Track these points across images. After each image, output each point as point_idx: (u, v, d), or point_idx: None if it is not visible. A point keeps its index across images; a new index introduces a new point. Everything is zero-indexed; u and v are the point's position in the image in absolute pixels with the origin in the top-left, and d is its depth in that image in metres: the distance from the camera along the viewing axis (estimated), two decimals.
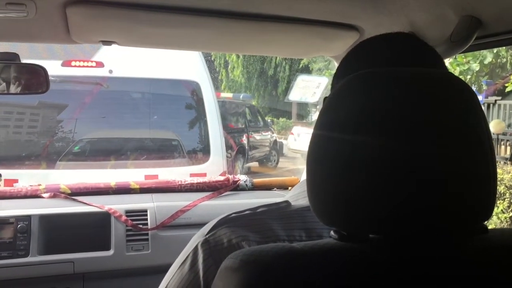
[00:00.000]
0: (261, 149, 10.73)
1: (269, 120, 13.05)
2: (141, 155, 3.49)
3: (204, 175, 2.00)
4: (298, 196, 0.84)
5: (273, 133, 11.78)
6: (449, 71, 0.72)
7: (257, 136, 10.56)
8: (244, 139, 9.65)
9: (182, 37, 1.33)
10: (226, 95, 11.93)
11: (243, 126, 10.01)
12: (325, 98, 0.68)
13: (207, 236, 0.73)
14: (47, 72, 1.39)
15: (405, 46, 0.76)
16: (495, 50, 6.67)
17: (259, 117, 11.49)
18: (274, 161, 11.24)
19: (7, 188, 1.72)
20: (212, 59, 16.60)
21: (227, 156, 8.31)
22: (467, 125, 0.60)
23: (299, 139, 11.31)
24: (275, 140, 11.56)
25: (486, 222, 0.65)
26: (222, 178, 1.93)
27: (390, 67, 0.65)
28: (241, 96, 11.74)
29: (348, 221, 0.61)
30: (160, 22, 1.18)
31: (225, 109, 9.66)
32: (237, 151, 9.06)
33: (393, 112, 0.58)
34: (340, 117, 0.61)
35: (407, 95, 0.59)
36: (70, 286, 1.49)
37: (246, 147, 9.64)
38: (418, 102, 0.59)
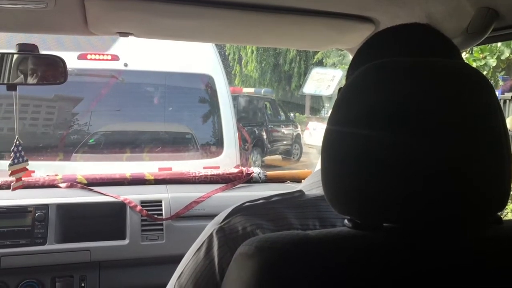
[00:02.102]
0: (282, 143, 10.92)
1: (291, 115, 13.19)
2: (155, 148, 3.51)
3: (217, 168, 2.01)
4: (312, 186, 0.85)
5: (296, 127, 11.85)
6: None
7: (278, 130, 10.79)
8: (263, 133, 9.88)
9: (198, 28, 1.34)
10: (248, 90, 12.13)
11: (263, 120, 10.23)
12: (339, 89, 0.69)
13: (222, 224, 0.74)
14: (65, 63, 1.41)
15: (421, 37, 0.76)
16: None
17: (281, 112, 11.66)
18: (297, 155, 11.37)
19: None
20: (226, 53, 16.59)
21: (244, 149, 8.57)
22: (483, 116, 0.60)
23: (315, 134, 11.35)
24: (298, 134, 11.67)
25: (500, 213, 0.65)
26: (235, 170, 1.94)
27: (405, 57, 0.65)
28: (262, 91, 11.98)
29: (362, 210, 0.61)
30: (177, 14, 1.19)
31: (246, 103, 10.09)
32: (256, 144, 9.33)
33: (407, 103, 0.58)
34: (354, 108, 0.61)
35: (422, 86, 0.59)
36: (86, 274, 1.52)
37: (265, 141, 9.89)
38: (433, 92, 0.59)
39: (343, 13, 1.23)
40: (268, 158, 10.17)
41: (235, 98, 9.62)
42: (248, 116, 10.00)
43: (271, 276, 0.57)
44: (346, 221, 0.64)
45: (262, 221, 0.73)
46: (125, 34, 1.31)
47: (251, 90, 12.19)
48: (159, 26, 1.30)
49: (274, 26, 1.30)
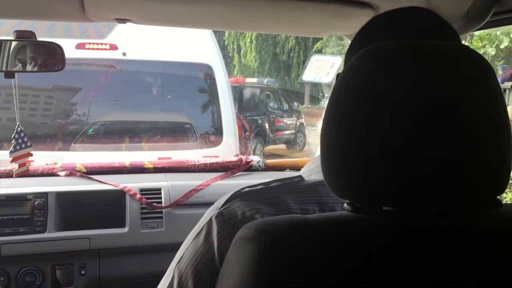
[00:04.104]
0: (285, 132, 11.14)
1: (295, 104, 13.38)
2: (154, 138, 3.51)
3: (217, 157, 2.02)
4: (311, 171, 0.85)
5: (299, 117, 12.00)
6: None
7: (281, 119, 11.02)
8: (265, 123, 10.14)
9: (197, 14, 1.33)
10: (251, 80, 12.36)
11: (265, 110, 10.50)
12: (338, 75, 0.68)
13: (221, 209, 0.74)
14: (63, 50, 1.40)
15: (420, 21, 0.75)
16: (511, 34, 6.54)
17: (284, 101, 11.91)
18: (300, 144, 11.55)
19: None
20: (225, 44, 16.53)
21: (245, 138, 8.70)
22: (483, 98, 0.60)
23: None
24: (302, 124, 11.85)
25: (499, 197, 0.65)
26: (235, 158, 1.94)
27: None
28: (265, 81, 12.23)
29: (361, 193, 0.61)
30: None
31: (248, 93, 10.42)
32: (258, 133, 9.63)
33: (406, 86, 0.58)
34: (352, 92, 0.61)
35: (421, 68, 0.59)
36: (86, 261, 1.52)
37: (267, 130, 10.15)
38: (432, 75, 0.58)
39: None
40: (273, 147, 10.35)
41: (237, 88, 10.06)
42: (250, 105, 10.25)
43: (270, 259, 0.57)
44: (345, 205, 0.64)
45: (261, 206, 0.73)
46: (123, 21, 1.30)
47: (254, 80, 12.38)
48: (157, 12, 1.29)
49: (273, 12, 1.29)
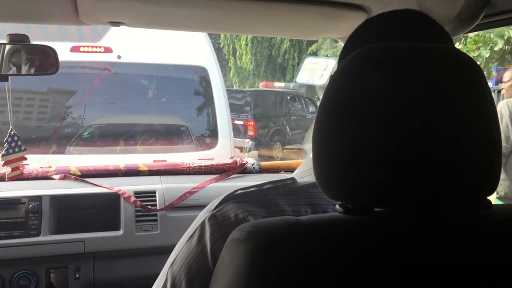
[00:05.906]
0: (308, 132, 11.69)
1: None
2: (149, 141, 3.51)
3: (212, 160, 2.02)
4: (304, 173, 0.85)
5: None
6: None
7: (304, 121, 11.79)
8: (285, 124, 11.32)
9: (190, 17, 1.33)
10: (279, 84, 13.48)
11: (285, 112, 11.54)
12: (331, 77, 0.69)
13: (214, 211, 0.74)
14: (56, 53, 1.40)
15: (412, 23, 0.76)
16: (505, 36, 6.59)
17: (311, 104, 12.58)
18: None
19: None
20: (221, 46, 16.53)
21: (261, 137, 9.74)
22: (472, 99, 0.60)
23: None
24: None
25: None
26: (230, 161, 1.94)
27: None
28: (291, 85, 13.12)
29: (352, 195, 0.61)
30: (168, 2, 1.18)
31: (272, 96, 11.64)
32: (277, 133, 11.09)
33: (397, 88, 0.58)
34: (343, 94, 0.61)
35: (412, 70, 0.59)
36: (80, 265, 1.52)
37: (287, 130, 11.32)
38: (423, 77, 0.59)
39: (335, 1, 1.22)
40: (294, 146, 11.02)
41: (261, 92, 11.75)
42: (273, 107, 11.35)
43: (262, 260, 0.57)
44: (337, 206, 0.64)
45: (254, 208, 0.73)
46: (116, 24, 1.30)
47: (282, 84, 13.44)
48: (151, 15, 1.29)
49: (266, 14, 1.30)
